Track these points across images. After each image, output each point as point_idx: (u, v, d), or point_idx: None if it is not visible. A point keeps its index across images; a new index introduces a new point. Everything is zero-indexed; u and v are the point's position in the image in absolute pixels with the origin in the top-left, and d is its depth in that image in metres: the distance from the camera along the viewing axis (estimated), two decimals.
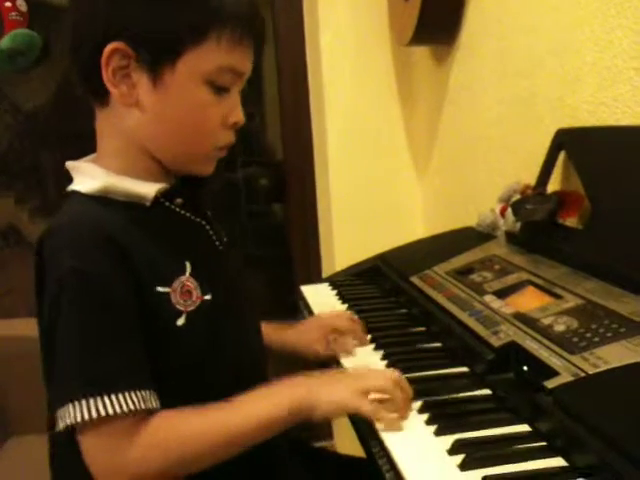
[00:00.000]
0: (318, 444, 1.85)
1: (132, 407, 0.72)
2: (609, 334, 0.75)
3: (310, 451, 1.10)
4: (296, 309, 1.30)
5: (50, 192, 2.35)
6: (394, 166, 1.98)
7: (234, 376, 0.85)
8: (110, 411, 0.71)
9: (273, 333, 1.03)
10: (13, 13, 2.09)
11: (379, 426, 0.75)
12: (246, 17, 0.80)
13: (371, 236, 1.89)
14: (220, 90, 0.81)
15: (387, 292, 1.25)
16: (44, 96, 2.29)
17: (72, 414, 0.71)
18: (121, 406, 0.71)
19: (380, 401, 0.76)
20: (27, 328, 1.87)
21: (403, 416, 0.76)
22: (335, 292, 1.28)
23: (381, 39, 1.91)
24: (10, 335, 1.88)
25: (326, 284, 1.34)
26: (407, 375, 0.85)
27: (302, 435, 0.96)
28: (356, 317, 1.06)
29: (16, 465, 1.67)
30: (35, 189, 2.34)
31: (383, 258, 1.36)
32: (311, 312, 1.21)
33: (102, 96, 0.81)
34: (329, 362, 1.01)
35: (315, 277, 1.98)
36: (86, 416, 0.70)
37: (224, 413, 0.76)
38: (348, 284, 1.33)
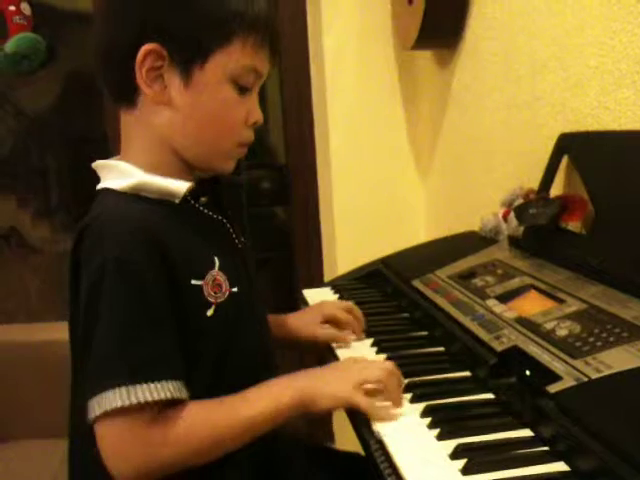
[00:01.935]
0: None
1: (168, 395, 0.74)
2: (612, 339, 0.75)
3: (312, 450, 1.11)
4: None
5: (53, 195, 2.36)
6: (397, 169, 1.98)
7: (251, 364, 0.89)
8: (156, 397, 0.73)
9: (276, 321, 1.05)
10: (17, 17, 2.09)
11: (374, 416, 0.78)
12: (268, 22, 0.86)
13: (373, 239, 1.89)
14: (243, 90, 0.86)
15: (389, 296, 1.24)
16: (48, 99, 2.29)
17: (110, 401, 0.72)
18: (161, 393, 0.74)
19: (376, 390, 0.81)
20: (23, 334, 1.88)
21: (397, 404, 0.80)
22: (337, 296, 1.28)
23: (384, 43, 1.91)
24: (6, 341, 1.88)
25: (328, 288, 1.34)
26: (409, 379, 0.85)
27: (303, 437, 0.97)
28: (358, 311, 1.08)
29: (10, 470, 1.66)
30: (38, 192, 2.34)
31: (385, 262, 1.36)
32: None
33: (130, 98, 0.84)
34: (326, 356, 1.03)
35: (317, 280, 1.98)
36: (133, 401, 0.72)
37: (230, 407, 0.79)
38: (350, 288, 1.33)
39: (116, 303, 0.75)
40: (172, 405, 0.76)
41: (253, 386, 0.81)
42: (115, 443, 0.75)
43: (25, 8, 2.11)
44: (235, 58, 0.83)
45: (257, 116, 0.88)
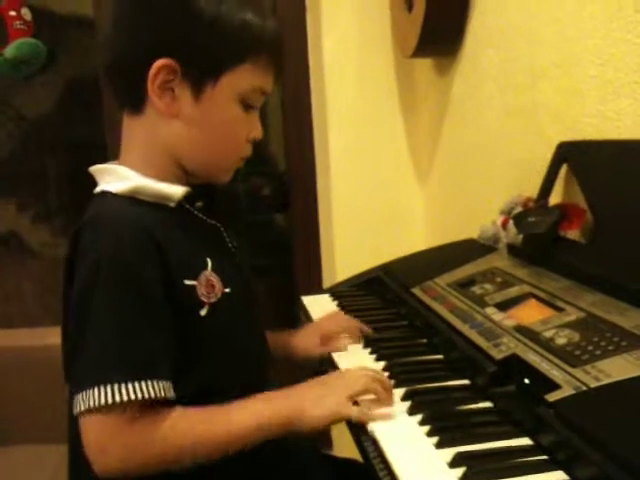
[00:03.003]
0: None
1: (152, 395, 0.75)
2: (611, 347, 0.75)
3: (310, 455, 1.11)
4: (297, 319, 1.30)
5: (52, 199, 2.36)
6: (396, 177, 1.98)
7: (245, 365, 0.90)
8: (139, 396, 0.74)
9: (273, 339, 1.05)
10: (18, 22, 2.10)
11: (368, 421, 0.79)
12: (277, 44, 0.89)
13: (372, 246, 1.89)
14: (248, 107, 0.88)
15: (388, 303, 1.24)
16: (48, 104, 2.30)
17: (95, 397, 0.73)
18: (146, 393, 0.74)
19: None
20: (21, 339, 1.88)
21: (388, 406, 0.81)
22: (336, 303, 1.28)
23: (384, 50, 1.92)
24: (4, 346, 1.88)
25: (327, 294, 1.34)
26: (408, 387, 0.85)
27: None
28: (350, 318, 1.12)
29: (12, 475, 1.66)
30: (37, 196, 2.34)
31: (384, 269, 1.36)
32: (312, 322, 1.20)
33: (138, 105, 0.86)
34: (324, 368, 1.03)
35: (316, 287, 1.98)
36: (117, 399, 0.73)
37: (212, 420, 0.80)
38: (349, 295, 1.33)
39: (108, 302, 0.76)
40: (158, 405, 0.77)
41: (243, 391, 0.82)
42: (96, 438, 0.76)
43: (26, 13, 2.12)
44: (246, 78, 0.86)
45: (258, 132, 0.91)
